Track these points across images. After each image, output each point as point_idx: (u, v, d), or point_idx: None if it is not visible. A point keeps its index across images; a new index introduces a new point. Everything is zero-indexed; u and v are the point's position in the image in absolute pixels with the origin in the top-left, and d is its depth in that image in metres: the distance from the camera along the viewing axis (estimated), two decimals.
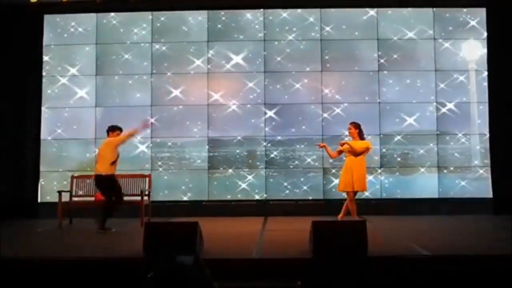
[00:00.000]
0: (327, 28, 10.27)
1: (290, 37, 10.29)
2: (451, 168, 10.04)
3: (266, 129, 10.16)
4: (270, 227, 8.40)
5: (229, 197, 10.08)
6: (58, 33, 10.41)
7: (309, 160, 10.11)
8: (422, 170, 9.99)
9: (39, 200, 10.02)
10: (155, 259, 4.63)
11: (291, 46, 10.29)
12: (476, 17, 10.22)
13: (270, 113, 10.19)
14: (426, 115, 10.11)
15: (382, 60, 10.18)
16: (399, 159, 10.08)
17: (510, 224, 7.58)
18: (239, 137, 10.17)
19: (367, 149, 8.03)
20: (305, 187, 10.07)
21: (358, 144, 7.98)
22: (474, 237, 7.14)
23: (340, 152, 8.18)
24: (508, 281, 5.04)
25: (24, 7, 9.80)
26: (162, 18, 10.40)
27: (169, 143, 10.22)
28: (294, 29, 10.30)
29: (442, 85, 10.11)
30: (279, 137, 10.17)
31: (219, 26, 10.36)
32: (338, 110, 10.11)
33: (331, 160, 9.31)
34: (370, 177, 9.84)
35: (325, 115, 10.12)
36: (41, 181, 10.09)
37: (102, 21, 10.39)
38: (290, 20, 10.33)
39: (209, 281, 2.30)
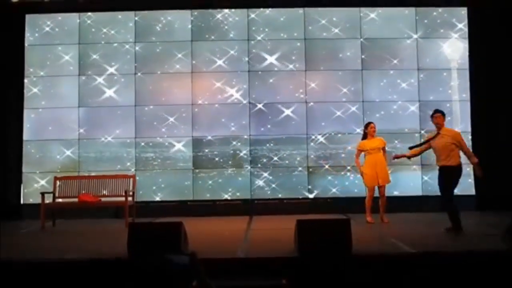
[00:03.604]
0: (311, 27, 10.30)
1: (274, 36, 10.30)
2: (435, 166, 10.09)
3: (251, 128, 10.16)
4: (255, 226, 8.40)
5: (214, 197, 10.07)
6: (40, 33, 10.31)
7: (294, 159, 10.13)
8: (406, 167, 10.06)
9: (22, 202, 9.92)
10: (143, 259, 4.62)
11: (275, 45, 10.30)
12: (458, 16, 10.32)
13: (255, 112, 10.19)
14: (410, 113, 10.18)
15: (365, 59, 10.24)
16: None
17: (493, 220, 7.68)
18: (223, 137, 10.16)
19: None
20: (290, 186, 10.08)
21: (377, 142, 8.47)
22: (458, 233, 7.19)
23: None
24: (492, 277, 5.09)
25: (5, 7, 9.69)
26: (145, 18, 10.34)
27: (154, 143, 10.16)
28: (278, 28, 10.31)
29: (424, 84, 10.20)
30: (263, 137, 10.18)
31: (203, 25, 10.33)
32: (322, 109, 10.16)
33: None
34: (356, 176, 9.96)
35: (309, 114, 10.16)
36: (24, 183, 9.98)
37: (84, 21, 10.31)
38: (274, 19, 10.34)
39: (204, 280, 2.29)
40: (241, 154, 10.16)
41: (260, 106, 10.19)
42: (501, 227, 6.43)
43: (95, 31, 10.31)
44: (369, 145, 8.41)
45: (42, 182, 9.90)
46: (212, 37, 10.30)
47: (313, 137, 10.14)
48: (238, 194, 10.09)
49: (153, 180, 10.08)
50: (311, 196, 10.05)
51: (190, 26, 10.30)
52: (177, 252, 5.22)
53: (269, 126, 10.17)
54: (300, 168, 10.13)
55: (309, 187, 10.06)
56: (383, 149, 8.45)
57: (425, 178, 10.05)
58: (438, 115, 7.43)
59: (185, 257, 2.34)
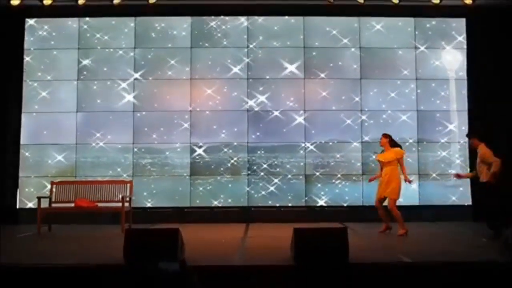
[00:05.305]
0: (310, 36, 10.33)
1: (273, 44, 10.32)
2: (432, 175, 10.13)
3: (249, 135, 10.16)
4: (252, 234, 8.38)
5: (211, 204, 10.05)
6: (39, 37, 10.31)
7: (291, 167, 10.12)
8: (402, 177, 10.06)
9: (18, 206, 9.87)
10: (136, 265, 4.60)
11: (274, 53, 10.32)
12: (456, 27, 10.36)
13: (253, 120, 10.18)
14: (407, 123, 10.20)
15: (363, 68, 10.26)
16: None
17: (489, 230, 7.67)
18: (221, 143, 10.15)
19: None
20: (287, 194, 10.07)
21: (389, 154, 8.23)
22: (455, 243, 7.20)
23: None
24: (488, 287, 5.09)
25: (5, 11, 9.69)
26: (145, 24, 10.35)
27: (151, 149, 10.15)
28: (277, 36, 10.34)
29: (422, 93, 10.23)
30: (261, 144, 10.18)
31: (202, 32, 10.34)
32: (320, 117, 10.18)
33: None
34: (351, 185, 9.98)
35: (307, 122, 10.16)
36: (20, 187, 9.94)
37: (84, 25, 10.32)
38: (274, 27, 10.36)
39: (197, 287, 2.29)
40: (239, 161, 10.14)
41: (258, 113, 10.19)
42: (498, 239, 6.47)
43: (94, 36, 10.31)
44: (378, 157, 8.47)
45: (42, 186, 9.85)
46: (212, 44, 10.30)
47: (311, 145, 10.13)
48: (235, 201, 10.06)
49: (150, 186, 10.05)
50: (308, 204, 10.03)
51: (189, 32, 10.31)
52: (173, 259, 5.20)
53: (267, 133, 10.16)
54: (297, 176, 10.11)
55: (307, 195, 10.05)
56: (400, 161, 8.18)
57: (421, 187, 10.06)
58: None
59: (176, 264, 2.34)
